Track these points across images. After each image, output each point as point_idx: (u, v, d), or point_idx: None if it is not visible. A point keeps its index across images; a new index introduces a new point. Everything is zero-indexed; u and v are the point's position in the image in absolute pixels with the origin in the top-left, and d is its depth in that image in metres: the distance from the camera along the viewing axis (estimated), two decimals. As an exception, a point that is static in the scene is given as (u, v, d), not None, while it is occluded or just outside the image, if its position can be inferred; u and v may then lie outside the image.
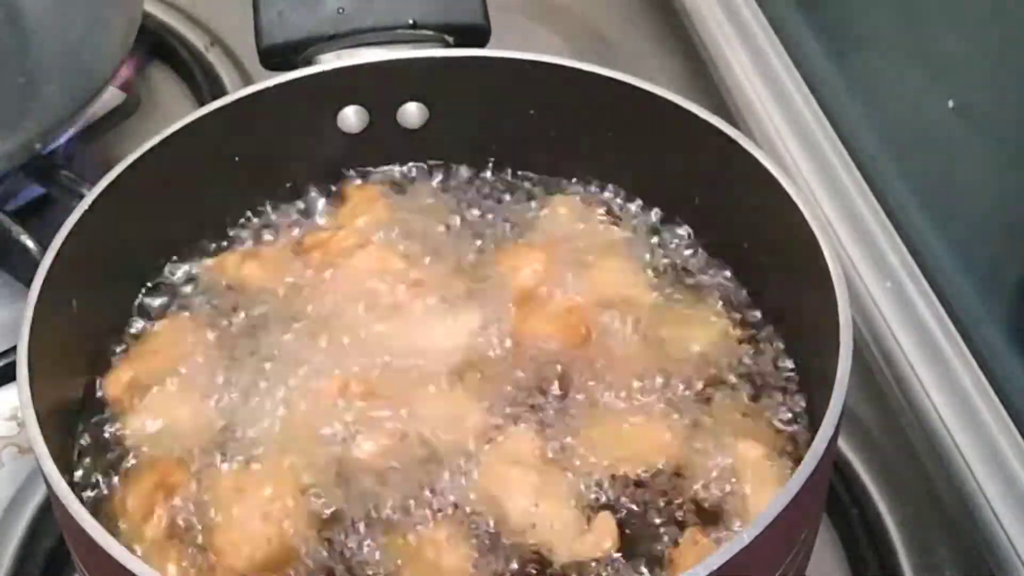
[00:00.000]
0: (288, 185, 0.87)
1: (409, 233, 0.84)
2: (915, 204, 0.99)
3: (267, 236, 0.86)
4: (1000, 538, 0.84)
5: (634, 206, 0.87)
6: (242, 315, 0.81)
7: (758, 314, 0.81)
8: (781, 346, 0.79)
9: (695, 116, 0.80)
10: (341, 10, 0.88)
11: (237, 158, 0.84)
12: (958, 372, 0.91)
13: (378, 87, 0.85)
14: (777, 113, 1.09)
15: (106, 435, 0.76)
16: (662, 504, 0.71)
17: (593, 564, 0.69)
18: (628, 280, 0.82)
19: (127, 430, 0.76)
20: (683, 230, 0.85)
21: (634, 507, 0.71)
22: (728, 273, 0.83)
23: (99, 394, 0.78)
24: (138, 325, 0.81)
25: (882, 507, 0.87)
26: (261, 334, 0.79)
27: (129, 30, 1.04)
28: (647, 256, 0.84)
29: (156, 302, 0.82)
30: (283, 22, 0.88)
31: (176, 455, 0.74)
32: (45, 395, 0.69)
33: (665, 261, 0.83)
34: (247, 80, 1.14)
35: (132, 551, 0.67)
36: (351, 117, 0.86)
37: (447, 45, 0.88)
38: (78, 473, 0.75)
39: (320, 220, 0.87)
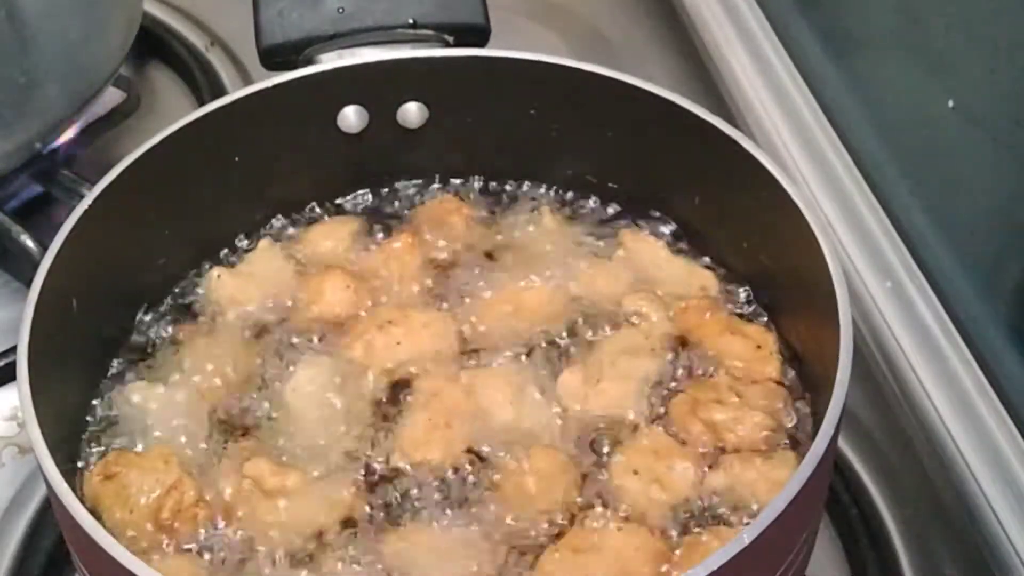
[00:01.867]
0: (288, 186, 0.87)
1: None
2: (915, 204, 0.99)
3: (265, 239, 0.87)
4: (1000, 538, 0.84)
5: (633, 206, 0.87)
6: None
7: (759, 313, 0.81)
8: (783, 350, 0.79)
9: (695, 116, 0.80)
10: (341, 10, 0.88)
11: (237, 158, 0.84)
12: (958, 372, 0.91)
13: (378, 87, 0.85)
14: (777, 113, 1.09)
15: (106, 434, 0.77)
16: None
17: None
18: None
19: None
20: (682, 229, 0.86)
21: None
22: (728, 273, 0.83)
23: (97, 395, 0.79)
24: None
25: (882, 507, 0.87)
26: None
27: (129, 30, 1.04)
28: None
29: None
30: (283, 22, 0.88)
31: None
32: (45, 395, 0.69)
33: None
34: (247, 80, 1.14)
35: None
36: (351, 117, 0.86)
37: (447, 45, 0.88)
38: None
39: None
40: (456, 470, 0.74)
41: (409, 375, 0.78)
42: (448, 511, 0.72)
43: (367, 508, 0.73)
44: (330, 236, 0.86)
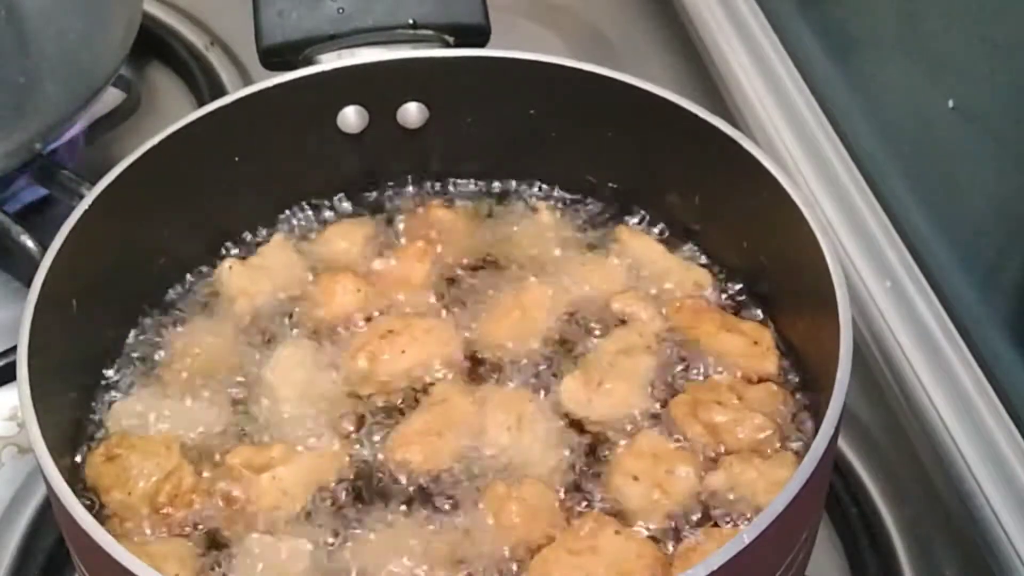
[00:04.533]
0: (288, 186, 0.87)
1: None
2: (915, 204, 0.99)
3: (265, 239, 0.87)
4: (1000, 538, 0.84)
5: (634, 206, 0.87)
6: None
7: (759, 314, 0.81)
8: (781, 346, 0.79)
9: (695, 116, 0.80)
10: (341, 10, 0.88)
11: (237, 158, 0.84)
12: (958, 372, 0.91)
13: (378, 87, 0.85)
14: (777, 113, 1.09)
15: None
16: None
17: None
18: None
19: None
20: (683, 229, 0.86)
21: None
22: (728, 273, 0.83)
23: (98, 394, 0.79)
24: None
25: (882, 507, 0.87)
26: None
27: (129, 30, 1.04)
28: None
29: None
30: (283, 22, 0.88)
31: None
32: (45, 395, 0.69)
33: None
34: (247, 80, 1.14)
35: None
36: (351, 117, 0.86)
37: (447, 45, 0.88)
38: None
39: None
40: (436, 480, 0.74)
41: (422, 382, 0.78)
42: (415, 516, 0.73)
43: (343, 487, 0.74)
44: (346, 237, 0.86)
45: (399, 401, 0.78)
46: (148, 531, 0.72)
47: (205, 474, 0.74)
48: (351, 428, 0.76)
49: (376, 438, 0.76)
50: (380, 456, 0.75)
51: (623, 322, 0.81)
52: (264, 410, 0.77)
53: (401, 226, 0.87)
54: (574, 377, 0.77)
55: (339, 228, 0.87)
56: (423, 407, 0.77)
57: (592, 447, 0.75)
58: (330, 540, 0.71)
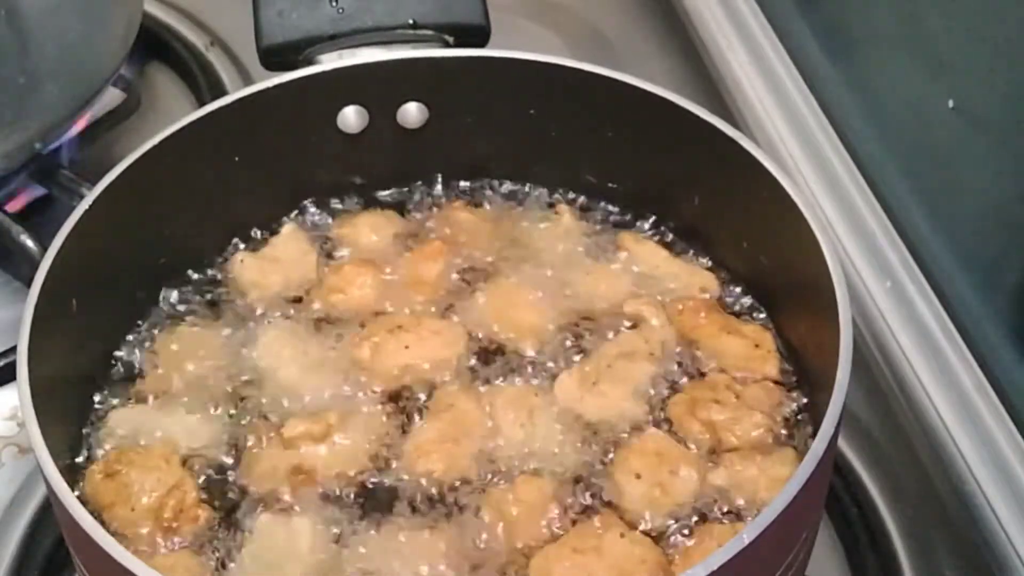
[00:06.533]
0: (288, 187, 0.87)
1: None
2: (915, 204, 0.99)
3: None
4: (1000, 538, 0.84)
5: (634, 207, 0.87)
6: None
7: (759, 315, 0.81)
8: (781, 347, 0.79)
9: (695, 116, 0.80)
10: (341, 10, 0.88)
11: (237, 158, 0.84)
12: (958, 372, 0.91)
13: (378, 87, 0.85)
14: (777, 113, 1.09)
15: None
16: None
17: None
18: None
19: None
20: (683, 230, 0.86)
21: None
22: (727, 273, 0.83)
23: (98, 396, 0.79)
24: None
25: (882, 507, 0.87)
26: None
27: (129, 30, 1.04)
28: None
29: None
30: (283, 22, 0.88)
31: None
32: (45, 395, 0.69)
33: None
34: (247, 80, 1.14)
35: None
36: (351, 117, 0.86)
37: (447, 45, 0.88)
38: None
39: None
40: (454, 485, 0.74)
41: (421, 382, 0.78)
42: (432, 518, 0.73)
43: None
44: (376, 230, 0.86)
45: (399, 397, 0.78)
46: (154, 544, 0.71)
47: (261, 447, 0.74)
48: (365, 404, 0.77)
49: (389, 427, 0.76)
50: (394, 448, 0.75)
51: (631, 327, 0.80)
52: (264, 401, 0.78)
53: (414, 225, 0.87)
54: (570, 374, 0.77)
55: (369, 220, 0.87)
56: (432, 415, 0.76)
57: (603, 441, 0.75)
58: (337, 540, 0.71)
